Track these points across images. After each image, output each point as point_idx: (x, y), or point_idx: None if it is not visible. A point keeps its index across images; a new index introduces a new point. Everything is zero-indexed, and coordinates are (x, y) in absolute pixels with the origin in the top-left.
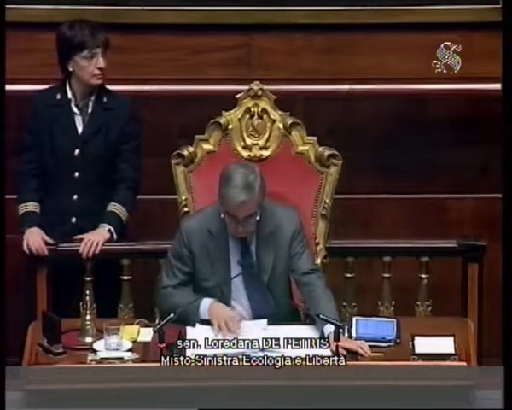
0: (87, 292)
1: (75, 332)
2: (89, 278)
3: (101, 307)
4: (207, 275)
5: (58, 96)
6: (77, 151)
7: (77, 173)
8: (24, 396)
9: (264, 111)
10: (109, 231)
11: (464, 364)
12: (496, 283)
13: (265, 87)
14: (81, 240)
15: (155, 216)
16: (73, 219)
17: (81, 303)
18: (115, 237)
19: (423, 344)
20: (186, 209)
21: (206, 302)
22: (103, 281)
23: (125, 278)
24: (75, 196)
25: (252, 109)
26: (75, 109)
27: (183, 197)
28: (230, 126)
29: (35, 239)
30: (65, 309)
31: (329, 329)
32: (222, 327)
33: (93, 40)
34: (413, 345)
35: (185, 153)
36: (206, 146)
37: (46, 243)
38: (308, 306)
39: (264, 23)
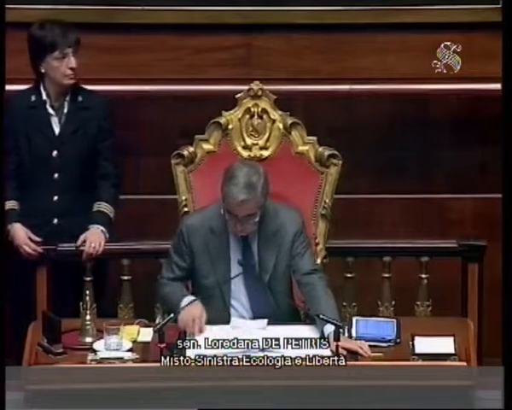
0: (87, 292)
1: (75, 332)
2: (89, 278)
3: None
4: (207, 273)
5: (33, 98)
6: (55, 152)
7: (56, 174)
8: (24, 396)
9: (264, 111)
10: (102, 231)
11: (464, 364)
12: (496, 283)
13: (265, 87)
14: (83, 243)
15: (155, 216)
16: (55, 221)
17: (81, 303)
18: (107, 236)
19: (423, 344)
20: (186, 209)
21: (185, 300)
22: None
23: (125, 278)
24: (56, 197)
25: (252, 109)
26: (51, 110)
27: (183, 197)
28: (230, 126)
29: (24, 243)
30: (61, 307)
31: (329, 329)
32: (188, 326)
33: (64, 40)
34: (413, 345)
35: (185, 153)
36: (206, 146)
37: (33, 241)
38: (309, 306)
39: (264, 23)
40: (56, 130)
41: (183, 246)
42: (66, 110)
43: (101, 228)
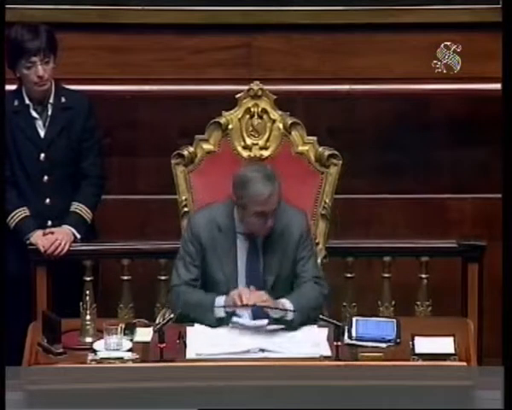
0: (87, 292)
1: (75, 332)
2: (89, 278)
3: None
4: (215, 269)
5: (16, 103)
6: (42, 155)
7: (46, 177)
8: (24, 396)
9: (264, 111)
10: (72, 232)
11: (464, 364)
12: (496, 283)
13: (265, 87)
14: (50, 232)
15: (155, 216)
16: (49, 223)
17: (81, 303)
18: (78, 236)
19: (423, 344)
20: (186, 209)
21: (220, 299)
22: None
23: (125, 278)
24: (47, 200)
25: (252, 109)
26: (35, 114)
27: (183, 197)
28: (230, 126)
29: (52, 247)
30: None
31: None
32: (235, 300)
33: (29, 48)
34: (413, 345)
35: (185, 153)
36: (206, 146)
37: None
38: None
39: (264, 23)
40: (42, 133)
41: (194, 243)
42: (50, 112)
43: (72, 230)
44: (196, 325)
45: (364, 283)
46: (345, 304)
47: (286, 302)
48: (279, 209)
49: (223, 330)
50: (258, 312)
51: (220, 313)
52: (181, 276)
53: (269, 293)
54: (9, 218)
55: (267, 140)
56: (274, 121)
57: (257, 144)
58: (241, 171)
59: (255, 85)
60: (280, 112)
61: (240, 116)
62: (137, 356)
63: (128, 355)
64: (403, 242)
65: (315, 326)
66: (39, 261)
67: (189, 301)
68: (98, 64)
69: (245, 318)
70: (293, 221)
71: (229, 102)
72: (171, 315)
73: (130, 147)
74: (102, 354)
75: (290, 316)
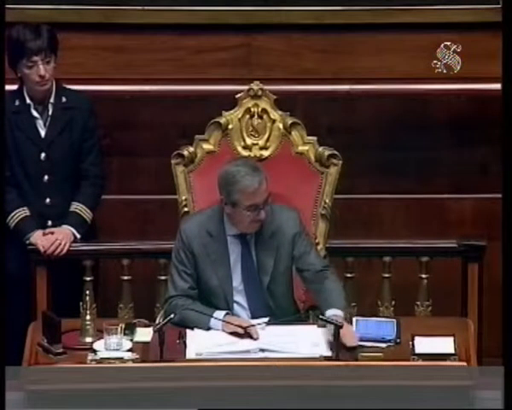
0: (87, 292)
1: (75, 332)
2: (89, 278)
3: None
4: (209, 276)
5: (17, 103)
6: (43, 155)
7: (46, 177)
8: (24, 396)
9: (264, 111)
10: (72, 232)
11: (464, 364)
12: (496, 283)
13: (265, 87)
14: (50, 232)
15: (155, 216)
16: (49, 223)
17: (81, 303)
18: (78, 236)
19: (423, 344)
20: (186, 209)
21: (219, 313)
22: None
23: (125, 278)
24: (48, 200)
25: (252, 109)
26: (35, 113)
27: (183, 197)
28: (230, 126)
29: (52, 247)
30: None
31: (331, 312)
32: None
33: (31, 48)
34: (413, 345)
35: (185, 153)
36: (206, 146)
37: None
38: (318, 300)
39: (264, 23)
40: (42, 132)
41: (186, 251)
42: (50, 112)
43: (72, 230)
44: None
45: (364, 283)
46: None
47: (335, 311)
48: (270, 210)
49: (220, 333)
50: (256, 312)
51: (217, 326)
52: (177, 286)
53: (264, 293)
54: (9, 218)
55: (267, 140)
56: (274, 121)
57: (257, 144)
58: (224, 169)
59: (255, 85)
60: (280, 112)
61: (240, 116)
62: (137, 356)
63: (128, 355)
64: (403, 242)
65: (315, 326)
66: (39, 261)
67: (187, 317)
68: (99, 64)
69: (244, 318)
70: (285, 220)
71: (229, 102)
72: (172, 315)
73: (130, 147)
74: (102, 354)
75: (341, 318)
